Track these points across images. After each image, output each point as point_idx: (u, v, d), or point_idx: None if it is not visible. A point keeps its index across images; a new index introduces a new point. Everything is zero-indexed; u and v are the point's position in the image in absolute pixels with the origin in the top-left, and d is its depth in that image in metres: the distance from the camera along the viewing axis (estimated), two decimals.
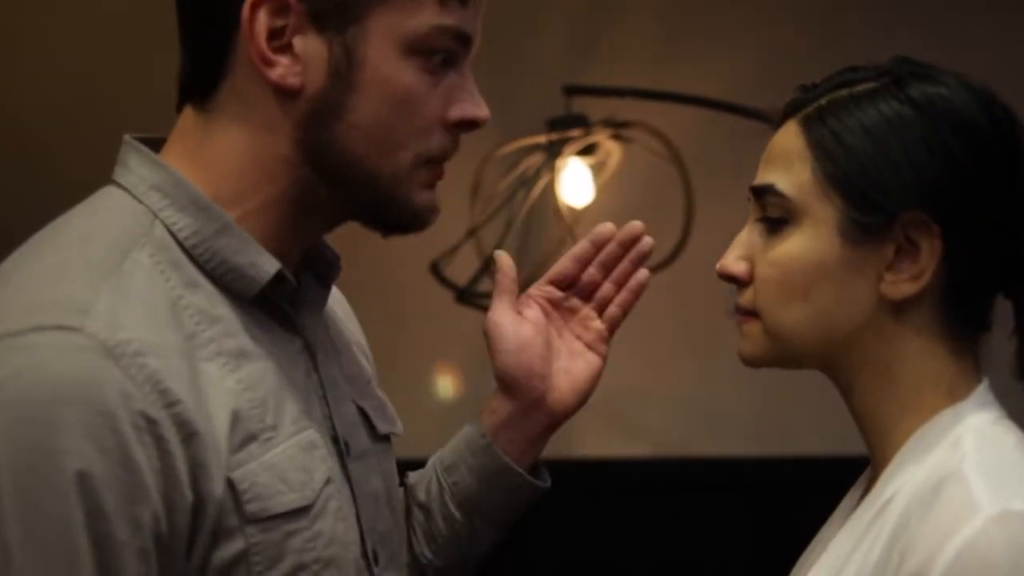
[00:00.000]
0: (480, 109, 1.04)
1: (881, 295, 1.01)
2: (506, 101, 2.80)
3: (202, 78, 1.02)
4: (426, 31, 1.00)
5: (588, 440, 2.80)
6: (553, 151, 2.60)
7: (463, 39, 1.02)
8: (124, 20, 2.72)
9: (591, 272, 1.26)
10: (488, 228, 2.62)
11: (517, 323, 1.22)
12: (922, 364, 1.01)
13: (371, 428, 1.16)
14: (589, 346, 1.26)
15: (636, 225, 1.25)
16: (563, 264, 1.26)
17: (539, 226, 2.75)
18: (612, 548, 2.82)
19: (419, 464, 1.30)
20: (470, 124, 1.04)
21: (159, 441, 0.92)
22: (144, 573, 0.91)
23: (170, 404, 0.93)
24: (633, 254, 1.25)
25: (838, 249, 1.01)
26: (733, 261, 1.06)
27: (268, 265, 1.02)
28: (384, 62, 0.99)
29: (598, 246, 1.25)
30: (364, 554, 1.07)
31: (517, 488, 1.24)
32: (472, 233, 2.62)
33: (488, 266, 2.61)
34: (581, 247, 1.26)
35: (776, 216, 1.04)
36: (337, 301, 1.23)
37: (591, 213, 2.63)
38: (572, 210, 2.65)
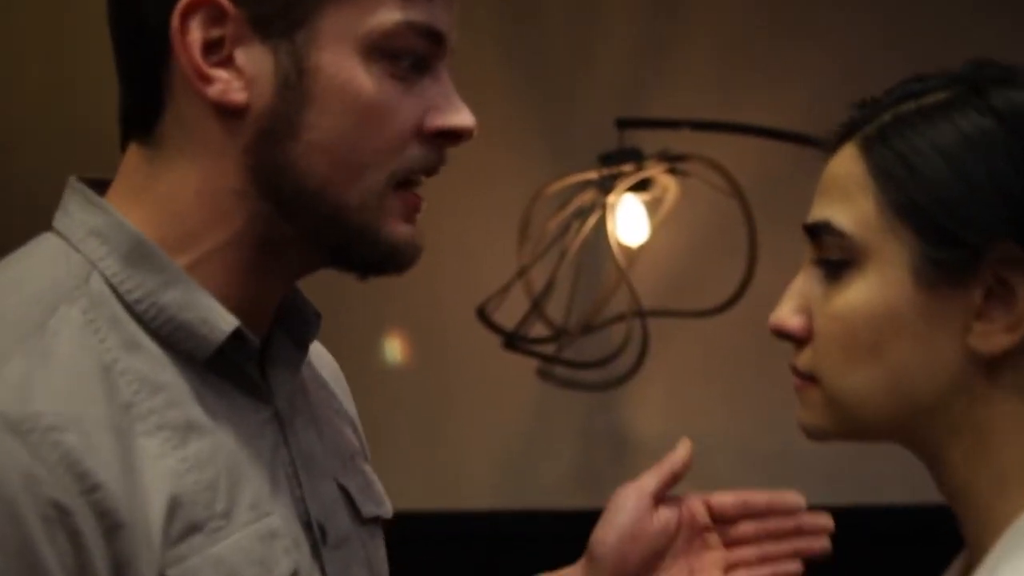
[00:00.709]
0: (461, 116, 0.92)
1: (969, 350, 0.85)
2: (557, 135, 2.83)
3: (141, 106, 0.90)
4: (388, 29, 0.88)
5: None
6: (606, 187, 2.56)
7: (434, 36, 0.90)
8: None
9: (746, 528, 1.14)
10: (537, 268, 2.60)
11: (645, 511, 1.12)
12: None
13: (354, 510, 1.01)
14: None
15: (827, 522, 1.14)
16: (730, 501, 1.15)
17: (591, 266, 2.72)
18: None
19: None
20: (452, 135, 0.92)
21: (74, 536, 0.79)
22: None
23: (89, 489, 0.80)
24: (802, 542, 1.14)
25: (912, 295, 0.86)
26: (788, 314, 0.91)
27: (222, 322, 0.89)
28: (341, 69, 0.88)
29: (775, 511, 1.14)
30: None
31: None
32: (521, 274, 2.59)
33: (537, 307, 2.58)
34: (760, 501, 1.15)
35: (835, 259, 0.89)
36: (324, 363, 1.10)
37: (647, 252, 2.62)
38: (627, 249, 2.62)
